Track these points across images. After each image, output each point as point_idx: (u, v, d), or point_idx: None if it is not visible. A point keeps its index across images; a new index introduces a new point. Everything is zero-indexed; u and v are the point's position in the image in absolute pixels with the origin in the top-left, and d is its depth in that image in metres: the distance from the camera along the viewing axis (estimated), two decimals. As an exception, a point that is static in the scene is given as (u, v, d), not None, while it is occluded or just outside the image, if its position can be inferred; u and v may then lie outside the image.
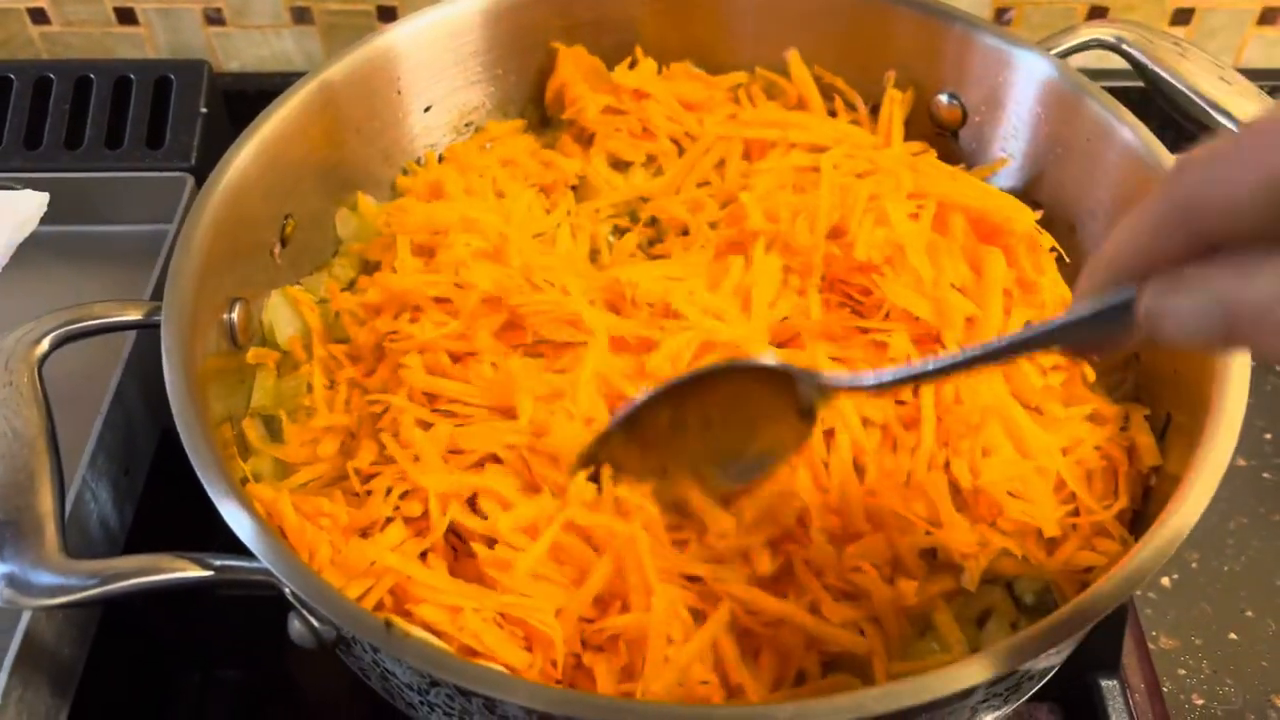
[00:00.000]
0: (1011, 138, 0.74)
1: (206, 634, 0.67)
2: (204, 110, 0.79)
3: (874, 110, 0.80)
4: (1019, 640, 0.47)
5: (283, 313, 0.67)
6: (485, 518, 0.54)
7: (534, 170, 0.74)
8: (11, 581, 0.49)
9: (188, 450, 0.52)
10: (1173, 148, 0.65)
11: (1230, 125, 0.67)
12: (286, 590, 0.50)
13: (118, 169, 0.77)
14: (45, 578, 0.49)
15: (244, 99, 0.88)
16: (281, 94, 0.67)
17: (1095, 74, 0.70)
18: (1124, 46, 0.72)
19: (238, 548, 0.50)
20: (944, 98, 0.77)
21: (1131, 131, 0.66)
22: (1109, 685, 0.66)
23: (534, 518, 0.54)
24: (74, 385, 0.59)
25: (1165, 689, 0.68)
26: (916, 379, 0.53)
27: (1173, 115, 0.70)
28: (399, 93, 0.75)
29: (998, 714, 0.55)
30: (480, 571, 0.53)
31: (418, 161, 0.77)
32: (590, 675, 0.51)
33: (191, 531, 0.56)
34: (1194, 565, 0.74)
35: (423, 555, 0.54)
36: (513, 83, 0.80)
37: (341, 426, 0.61)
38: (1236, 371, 0.55)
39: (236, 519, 0.50)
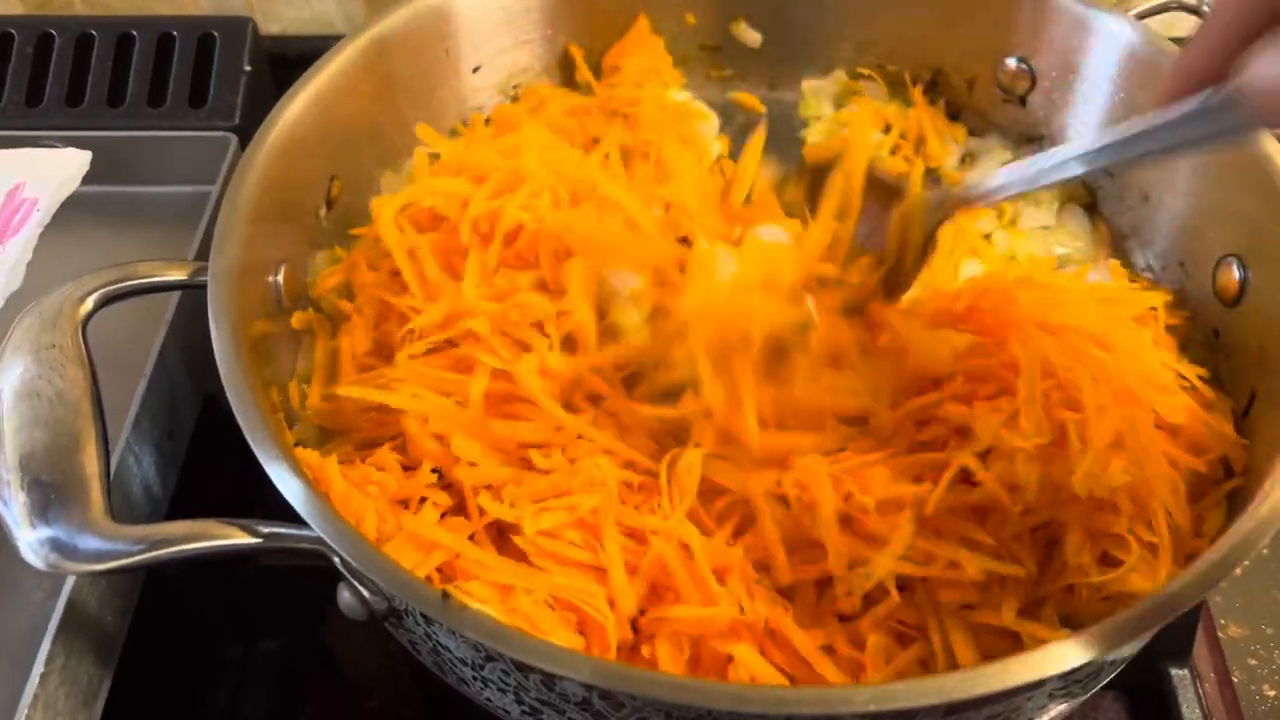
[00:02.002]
0: (1083, 103, 0.71)
1: (247, 606, 0.65)
2: (248, 69, 0.77)
3: (933, 83, 0.78)
4: (1105, 628, 0.45)
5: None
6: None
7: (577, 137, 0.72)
8: (57, 546, 0.47)
9: (236, 412, 0.50)
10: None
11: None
12: (337, 560, 0.49)
13: (160, 128, 0.75)
14: (91, 542, 0.47)
15: (284, 62, 0.86)
16: (331, 49, 0.65)
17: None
18: (1205, 8, 0.69)
19: (282, 517, 0.49)
20: (1012, 62, 0.74)
21: (1218, 98, 0.63)
22: (1179, 675, 0.64)
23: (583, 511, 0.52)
24: (115, 349, 0.58)
25: (1235, 679, 0.65)
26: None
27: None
28: (447, 52, 0.73)
29: (1073, 702, 0.53)
30: (525, 557, 0.51)
31: (464, 123, 0.75)
32: (648, 663, 0.49)
33: (234, 500, 0.54)
34: (1265, 552, 0.71)
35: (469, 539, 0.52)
36: (561, 44, 0.78)
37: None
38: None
39: (287, 484, 0.48)
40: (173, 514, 0.64)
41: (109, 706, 0.56)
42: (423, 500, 0.54)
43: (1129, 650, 0.51)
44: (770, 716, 0.41)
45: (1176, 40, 0.67)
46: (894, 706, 0.41)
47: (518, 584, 0.49)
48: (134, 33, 0.78)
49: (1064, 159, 0.52)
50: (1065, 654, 0.43)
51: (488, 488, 0.53)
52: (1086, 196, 0.73)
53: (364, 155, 0.69)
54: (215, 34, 0.78)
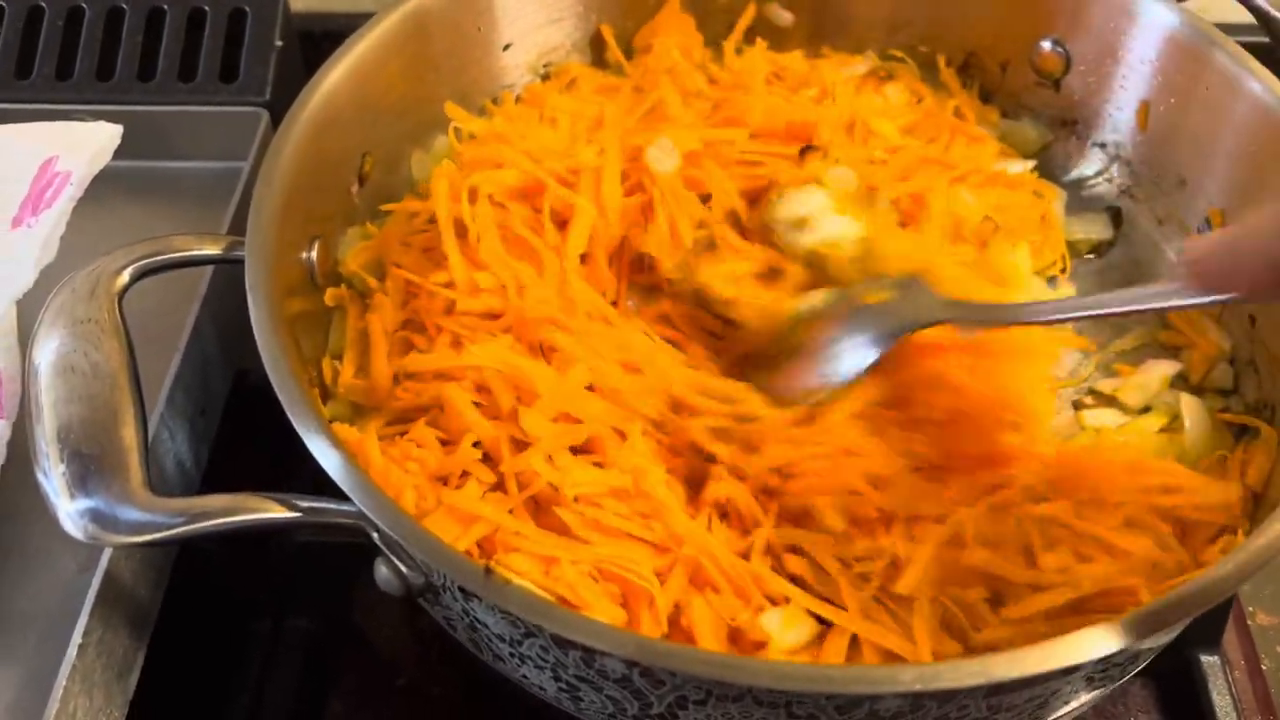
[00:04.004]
0: (1122, 88, 0.71)
1: (279, 583, 0.66)
2: (279, 44, 0.77)
3: (965, 65, 0.77)
4: (1142, 615, 0.44)
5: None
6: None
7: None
8: (96, 517, 0.47)
9: (276, 386, 0.50)
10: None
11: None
12: (375, 534, 0.49)
13: (190, 103, 0.75)
14: (131, 514, 0.47)
15: (312, 39, 0.85)
16: (366, 23, 0.65)
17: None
18: (1252, -5, 0.68)
19: (317, 493, 0.49)
20: (1047, 45, 0.73)
21: (1262, 85, 0.62)
22: (1209, 662, 0.64)
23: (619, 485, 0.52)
24: (147, 324, 0.58)
25: (1265, 667, 0.65)
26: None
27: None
28: (480, 29, 0.72)
29: (1107, 688, 0.53)
30: (565, 529, 0.51)
31: (494, 101, 0.75)
32: (689, 637, 0.49)
33: (266, 476, 0.54)
34: (1295, 540, 0.70)
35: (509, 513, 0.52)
36: (593, 23, 0.77)
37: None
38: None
39: (328, 457, 0.48)
40: (205, 490, 0.64)
41: (142, 679, 0.56)
42: (464, 475, 0.54)
43: (1164, 638, 0.51)
44: (811, 694, 0.41)
45: (1223, 26, 0.66)
46: (938, 686, 0.40)
47: (561, 555, 0.49)
48: (165, 7, 0.77)
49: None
50: (1103, 639, 0.43)
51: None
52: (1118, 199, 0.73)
53: (396, 132, 0.69)
54: (246, 9, 0.78)
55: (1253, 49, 0.65)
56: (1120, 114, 0.71)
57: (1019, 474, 0.55)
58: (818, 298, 0.60)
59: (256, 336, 0.52)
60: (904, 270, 0.61)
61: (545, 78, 0.77)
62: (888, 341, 0.56)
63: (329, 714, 0.63)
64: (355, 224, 0.66)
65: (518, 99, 0.75)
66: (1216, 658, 0.64)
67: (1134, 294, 0.54)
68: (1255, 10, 0.67)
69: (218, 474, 0.65)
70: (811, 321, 0.59)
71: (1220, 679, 0.63)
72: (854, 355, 0.57)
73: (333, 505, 0.49)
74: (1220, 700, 0.62)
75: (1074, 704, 0.52)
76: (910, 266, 0.61)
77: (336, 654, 0.65)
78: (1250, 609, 0.67)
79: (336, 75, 0.62)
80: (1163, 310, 0.57)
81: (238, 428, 0.68)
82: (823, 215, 0.62)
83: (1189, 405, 0.61)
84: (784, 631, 0.48)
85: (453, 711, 0.62)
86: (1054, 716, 0.52)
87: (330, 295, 0.62)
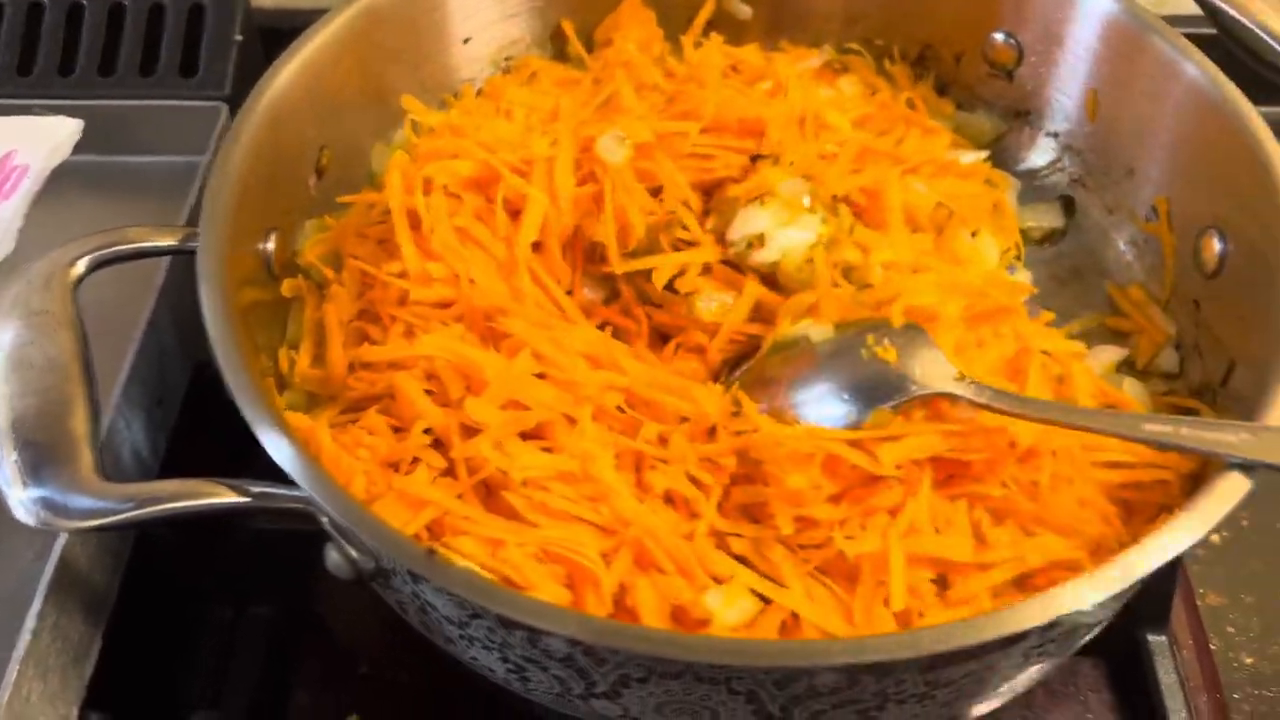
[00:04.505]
0: (1070, 78, 0.72)
1: (238, 570, 0.66)
2: (239, 38, 0.78)
3: (921, 58, 0.78)
4: (1073, 587, 0.45)
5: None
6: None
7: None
8: (48, 504, 0.48)
9: (225, 375, 0.51)
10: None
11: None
12: (325, 520, 0.49)
13: (151, 97, 0.76)
14: (81, 500, 0.48)
15: (277, 35, 0.85)
16: (320, 19, 0.66)
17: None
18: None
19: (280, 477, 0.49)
20: (999, 36, 0.74)
21: (1200, 70, 0.63)
22: (1157, 641, 0.65)
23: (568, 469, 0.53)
24: (106, 315, 0.58)
25: (1213, 646, 0.66)
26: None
27: (1243, 59, 0.67)
28: (438, 23, 0.73)
29: (1050, 662, 0.54)
30: (514, 513, 0.52)
31: (455, 95, 0.75)
32: (634, 617, 0.50)
33: (224, 466, 0.55)
34: (1245, 523, 0.72)
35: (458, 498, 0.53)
36: (553, 17, 0.78)
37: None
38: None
39: (275, 445, 0.48)
40: (163, 479, 0.65)
41: (100, 665, 0.57)
42: (415, 461, 0.55)
43: (1099, 614, 0.52)
44: (745, 669, 0.42)
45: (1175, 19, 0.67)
46: (867, 659, 0.41)
47: (508, 538, 0.50)
48: (125, 2, 0.78)
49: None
50: (1030, 614, 0.44)
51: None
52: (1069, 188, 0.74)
53: (355, 126, 0.70)
54: (206, 4, 0.78)
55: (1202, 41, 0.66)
56: (1070, 103, 0.73)
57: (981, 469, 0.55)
58: (813, 332, 0.59)
59: (208, 326, 0.53)
60: (867, 270, 0.62)
61: (506, 71, 0.77)
62: (869, 411, 0.54)
63: (292, 702, 0.63)
64: (313, 216, 0.67)
65: (479, 92, 0.76)
66: (1164, 637, 0.65)
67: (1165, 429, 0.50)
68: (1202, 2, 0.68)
69: (176, 463, 0.66)
70: (797, 355, 0.59)
71: (1167, 658, 0.64)
72: (832, 408, 0.55)
73: (282, 490, 0.49)
74: (1166, 679, 0.63)
75: (1017, 679, 0.53)
76: (870, 266, 0.62)
77: (298, 641, 0.65)
78: (1201, 590, 0.69)
79: (290, 70, 0.63)
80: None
81: (197, 418, 0.68)
82: (775, 231, 0.62)
83: (1132, 389, 0.62)
84: (726, 609, 0.49)
85: (416, 697, 0.63)
86: (999, 691, 0.53)
87: (287, 286, 0.63)
